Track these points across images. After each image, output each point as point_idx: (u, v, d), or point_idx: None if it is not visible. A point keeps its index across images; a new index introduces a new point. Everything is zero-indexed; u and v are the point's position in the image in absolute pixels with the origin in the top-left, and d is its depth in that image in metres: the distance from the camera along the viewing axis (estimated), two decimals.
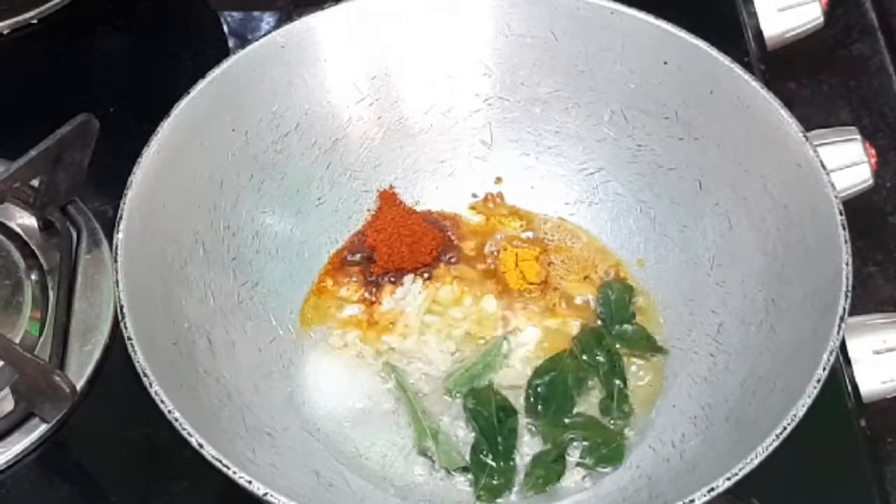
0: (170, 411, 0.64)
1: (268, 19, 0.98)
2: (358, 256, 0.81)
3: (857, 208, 0.75)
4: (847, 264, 0.68)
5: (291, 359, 0.77)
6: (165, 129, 0.74)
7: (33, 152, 0.78)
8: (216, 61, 0.76)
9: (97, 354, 0.77)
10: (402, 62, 0.82)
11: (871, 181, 0.82)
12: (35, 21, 0.95)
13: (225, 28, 0.99)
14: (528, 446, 0.73)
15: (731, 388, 0.72)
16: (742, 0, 0.94)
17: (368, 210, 0.82)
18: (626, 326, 0.77)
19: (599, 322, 0.78)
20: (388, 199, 0.82)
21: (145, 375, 0.65)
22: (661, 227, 0.80)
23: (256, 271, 0.78)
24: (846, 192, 0.80)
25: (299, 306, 0.79)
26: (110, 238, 0.71)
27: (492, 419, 0.73)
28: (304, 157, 0.80)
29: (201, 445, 0.63)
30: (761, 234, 0.75)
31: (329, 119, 0.81)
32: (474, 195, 0.84)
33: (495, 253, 0.81)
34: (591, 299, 0.79)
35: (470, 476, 0.72)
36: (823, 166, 0.72)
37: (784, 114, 0.74)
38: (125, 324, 0.66)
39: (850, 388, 0.76)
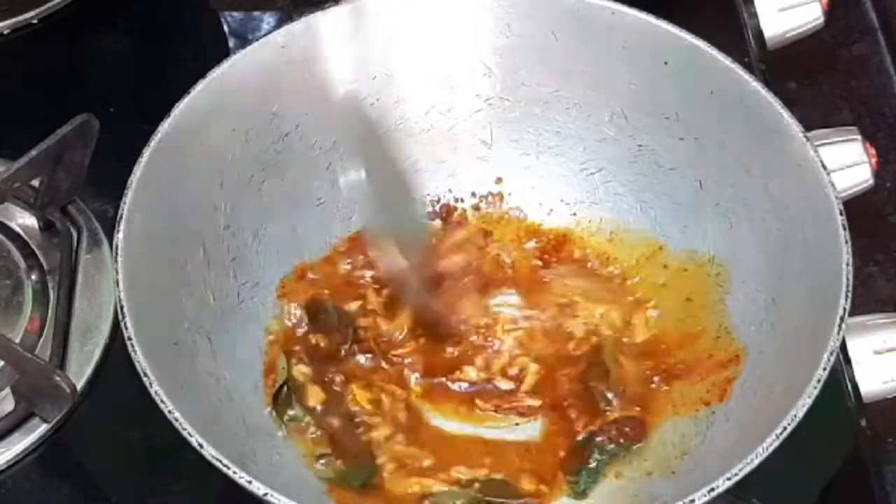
0: (170, 411, 0.63)
1: (268, 19, 0.98)
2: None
3: (858, 208, 0.75)
4: (847, 264, 0.68)
5: None
6: (165, 129, 0.74)
7: (34, 152, 0.78)
8: (216, 61, 0.76)
9: (97, 354, 0.77)
10: (402, 62, 0.82)
11: (871, 181, 0.82)
12: (35, 21, 0.95)
13: (225, 28, 0.99)
14: None
15: (731, 388, 0.72)
16: (742, 0, 0.94)
17: None
18: None
19: None
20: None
21: (145, 375, 0.65)
22: (661, 227, 0.80)
23: (257, 271, 0.78)
24: (847, 192, 0.80)
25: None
26: (110, 238, 0.71)
27: None
28: (304, 157, 0.80)
29: (201, 445, 0.63)
30: (762, 234, 0.75)
31: (329, 119, 0.81)
32: (474, 195, 0.84)
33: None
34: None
35: None
36: (824, 166, 0.72)
37: (784, 114, 0.74)
38: (125, 324, 0.66)
39: (850, 388, 0.76)
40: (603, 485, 0.72)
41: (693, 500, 0.62)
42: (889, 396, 0.76)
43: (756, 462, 0.62)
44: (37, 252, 0.81)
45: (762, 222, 0.75)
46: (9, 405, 0.74)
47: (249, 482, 0.62)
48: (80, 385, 0.75)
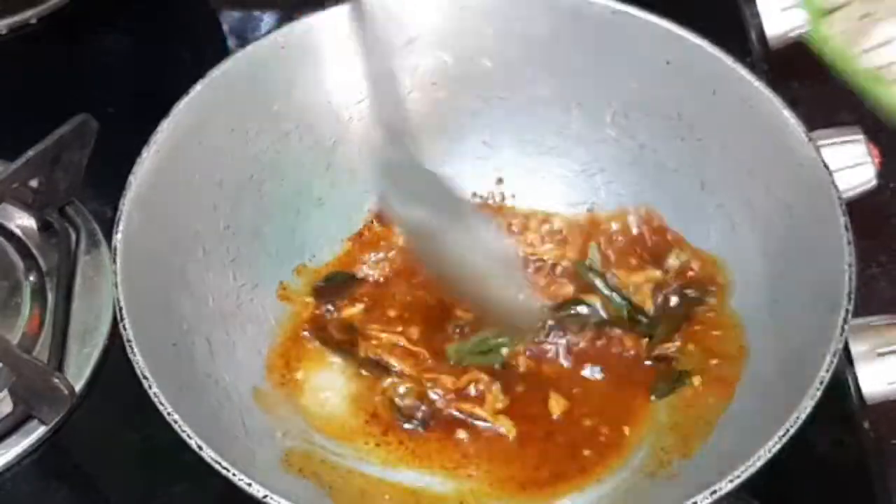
0: (169, 413, 0.63)
1: (268, 19, 0.98)
2: None
3: (861, 209, 0.74)
4: (850, 265, 0.68)
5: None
6: (165, 129, 0.73)
7: (32, 153, 0.78)
8: (216, 61, 0.76)
9: (96, 356, 0.77)
10: (402, 62, 0.81)
11: (874, 181, 0.81)
12: (34, 21, 0.95)
13: (225, 28, 0.98)
14: None
15: (733, 390, 0.72)
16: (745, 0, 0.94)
17: (369, 210, 0.82)
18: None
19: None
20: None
21: (144, 377, 0.64)
22: None
23: (256, 272, 0.77)
24: (849, 192, 0.79)
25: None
26: (109, 239, 0.71)
27: None
28: (304, 157, 0.80)
29: (201, 447, 0.62)
30: (764, 234, 0.75)
31: (329, 119, 0.81)
32: (475, 195, 0.83)
33: None
34: None
35: None
36: (827, 167, 0.72)
37: (787, 114, 0.74)
38: (124, 325, 0.66)
39: (853, 389, 0.76)
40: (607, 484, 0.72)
41: (696, 502, 0.61)
42: (892, 398, 0.76)
43: (759, 464, 0.62)
44: (35, 253, 0.81)
45: (765, 223, 0.75)
46: (7, 407, 0.74)
47: (249, 484, 0.62)
48: (78, 387, 0.74)
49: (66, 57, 0.94)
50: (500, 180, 0.83)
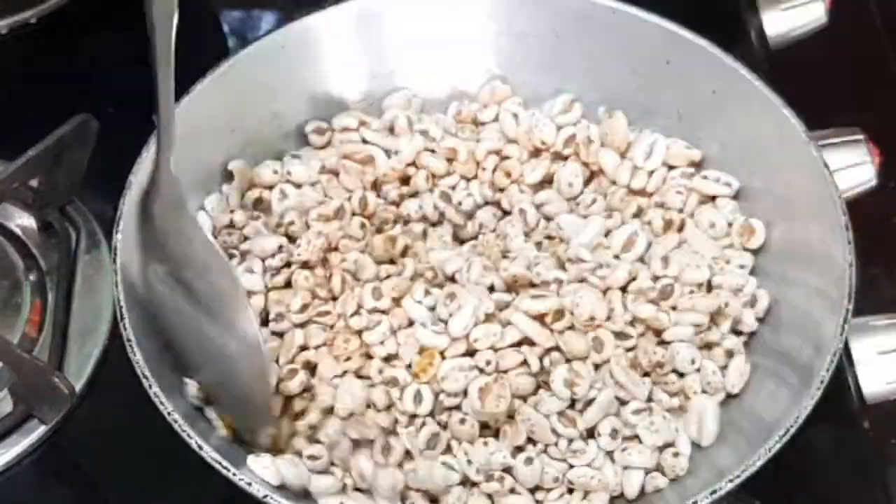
0: (169, 413, 0.63)
1: (268, 19, 0.98)
2: None
3: (861, 209, 0.74)
4: (851, 265, 0.68)
5: None
6: None
7: (32, 152, 0.77)
8: (216, 61, 0.76)
9: (96, 355, 0.77)
10: (402, 61, 0.81)
11: (874, 181, 0.81)
12: (34, 21, 0.95)
13: (225, 28, 0.98)
14: None
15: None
16: None
17: None
18: None
19: None
20: None
21: (144, 377, 0.64)
22: None
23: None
24: (850, 192, 0.79)
25: None
26: (109, 238, 0.71)
27: None
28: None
29: (201, 447, 0.62)
30: (764, 234, 0.74)
31: (329, 119, 0.80)
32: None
33: None
34: None
35: None
36: (827, 166, 0.72)
37: (787, 113, 0.73)
38: (124, 325, 0.66)
39: (853, 389, 0.76)
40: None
41: (696, 502, 0.61)
42: (892, 398, 0.76)
43: (759, 464, 0.62)
44: (35, 253, 0.81)
45: (765, 222, 0.74)
46: (7, 406, 0.74)
47: (249, 484, 0.61)
48: (78, 386, 0.74)
49: (67, 57, 0.94)
50: None
